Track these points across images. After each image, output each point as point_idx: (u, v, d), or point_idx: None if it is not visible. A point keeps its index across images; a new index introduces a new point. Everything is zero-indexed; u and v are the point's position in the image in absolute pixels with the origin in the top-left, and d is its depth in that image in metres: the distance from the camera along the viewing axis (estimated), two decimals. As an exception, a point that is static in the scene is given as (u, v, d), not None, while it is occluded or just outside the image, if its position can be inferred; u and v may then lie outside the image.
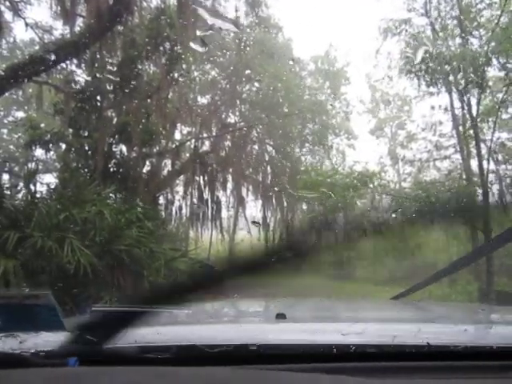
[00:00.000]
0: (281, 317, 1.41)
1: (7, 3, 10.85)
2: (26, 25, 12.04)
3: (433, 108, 13.49)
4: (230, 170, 17.30)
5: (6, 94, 13.20)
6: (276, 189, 17.99)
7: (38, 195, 9.45)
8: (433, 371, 1.07)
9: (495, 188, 13.04)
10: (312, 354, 1.07)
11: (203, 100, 18.94)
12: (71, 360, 0.96)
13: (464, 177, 12.63)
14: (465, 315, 1.98)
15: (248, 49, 16.22)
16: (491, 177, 12.39)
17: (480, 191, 11.29)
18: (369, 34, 30.93)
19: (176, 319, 1.68)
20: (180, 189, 17.60)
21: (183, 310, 1.94)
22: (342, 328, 1.37)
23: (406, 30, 13.01)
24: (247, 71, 18.10)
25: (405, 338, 1.11)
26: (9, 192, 8.97)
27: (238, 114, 20.11)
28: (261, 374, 0.97)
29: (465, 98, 11.88)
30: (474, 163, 12.34)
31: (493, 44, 10.41)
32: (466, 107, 12.02)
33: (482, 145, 11.98)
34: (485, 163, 11.48)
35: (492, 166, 12.19)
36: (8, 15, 11.30)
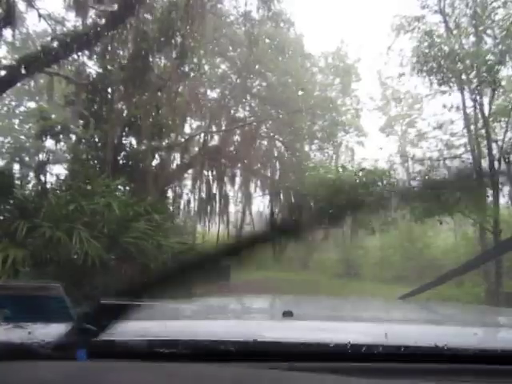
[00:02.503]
0: (288, 314, 1.40)
1: (21, -6, 10.90)
2: (39, 16, 12.11)
3: (444, 106, 13.35)
4: (239, 164, 17.31)
5: (18, 85, 13.31)
6: (284, 185, 17.97)
7: (47, 186, 9.54)
8: (440, 374, 1.06)
9: (506, 189, 12.91)
10: (318, 353, 1.07)
11: (213, 94, 18.97)
12: (80, 352, 0.97)
13: (474, 177, 12.51)
14: (473, 317, 1.96)
15: (259, 43, 16.16)
16: (502, 177, 12.27)
17: (490, 192, 11.18)
18: (381, 31, 30.72)
19: (183, 313, 1.68)
20: (188, 182, 17.68)
21: (190, 305, 1.94)
22: (348, 327, 1.36)
23: (419, 28, 12.89)
24: (258, 66, 18.06)
25: (413, 340, 1.10)
26: (19, 182, 9.04)
27: (247, 108, 20.10)
28: (267, 372, 0.97)
29: (477, 98, 11.75)
30: (484, 163, 12.21)
31: (507, 43, 10.28)
32: (478, 106, 11.89)
33: (494, 145, 11.85)
34: (496, 163, 11.36)
35: (503, 167, 12.07)
36: (21, 6, 11.36)
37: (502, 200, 12.21)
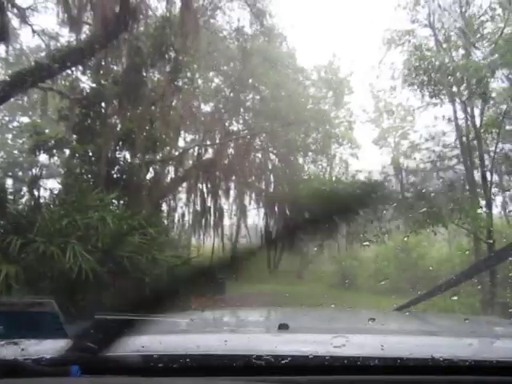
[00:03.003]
0: (283, 327, 1.40)
1: (15, 10, 10.96)
2: (33, 31, 12.18)
3: (436, 118, 13.50)
4: (233, 177, 17.32)
5: (12, 100, 13.31)
6: (279, 197, 17.98)
7: (41, 200, 9.47)
8: None
9: (498, 199, 13.00)
10: (314, 366, 1.06)
11: (207, 108, 19.05)
12: (73, 368, 0.96)
13: (467, 187, 12.60)
14: (468, 328, 1.96)
15: (252, 58, 16.31)
16: (494, 188, 12.36)
17: (483, 202, 11.26)
18: (372, 45, 31.13)
19: (178, 328, 1.67)
20: (183, 196, 17.64)
21: (185, 319, 1.93)
22: (344, 340, 1.35)
23: (410, 41, 13.10)
24: (251, 80, 18.19)
25: (408, 351, 1.10)
26: (12, 197, 8.97)
27: (241, 122, 20.19)
28: None
29: (468, 109, 11.89)
30: (477, 174, 12.31)
31: (496, 56, 10.45)
32: (469, 118, 12.03)
33: (486, 156, 11.97)
34: (488, 174, 11.46)
35: (495, 177, 12.17)
36: (15, 22, 11.44)
37: (495, 210, 12.30)
